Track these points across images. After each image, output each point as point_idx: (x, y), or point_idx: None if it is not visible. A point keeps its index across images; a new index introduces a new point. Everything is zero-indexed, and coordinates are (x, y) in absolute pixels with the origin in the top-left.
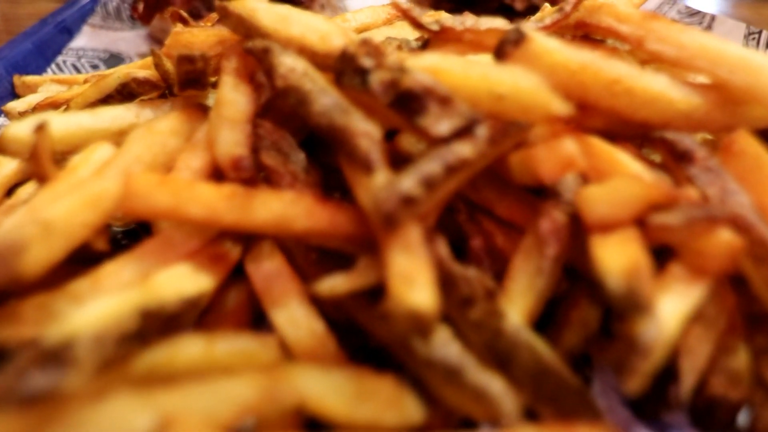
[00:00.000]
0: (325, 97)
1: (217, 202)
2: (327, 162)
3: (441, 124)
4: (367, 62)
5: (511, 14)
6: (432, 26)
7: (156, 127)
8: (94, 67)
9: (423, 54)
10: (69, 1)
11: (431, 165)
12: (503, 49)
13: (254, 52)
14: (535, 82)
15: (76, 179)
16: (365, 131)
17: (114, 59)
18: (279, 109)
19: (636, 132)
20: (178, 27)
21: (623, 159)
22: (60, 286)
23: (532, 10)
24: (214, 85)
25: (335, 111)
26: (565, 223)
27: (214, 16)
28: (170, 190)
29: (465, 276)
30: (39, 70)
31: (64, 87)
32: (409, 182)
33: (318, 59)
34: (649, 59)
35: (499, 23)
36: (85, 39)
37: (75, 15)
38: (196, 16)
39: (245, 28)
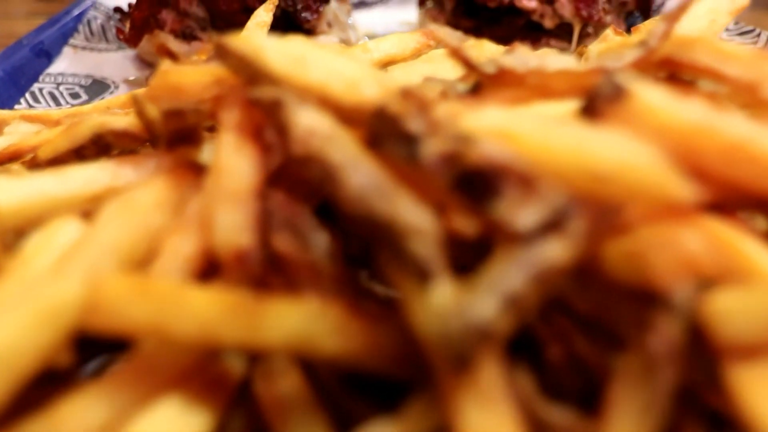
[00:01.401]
0: (360, 174)
1: (216, 317)
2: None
3: (522, 215)
4: (416, 127)
5: (539, 32)
6: (487, 67)
7: (136, 200)
8: (74, 96)
9: (481, 106)
10: (48, 20)
11: (512, 276)
12: (596, 107)
13: (262, 104)
14: (649, 158)
15: (30, 277)
16: (418, 226)
17: (97, 86)
18: (292, 173)
19: (752, 204)
20: (165, 64)
21: (759, 254)
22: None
23: (562, 28)
24: (211, 129)
25: (375, 194)
26: (683, 341)
27: (210, 46)
28: (152, 299)
29: (562, 425)
30: (11, 100)
31: (35, 126)
32: (486, 305)
33: (344, 113)
34: (753, 105)
35: (570, 63)
36: (66, 63)
37: (54, 35)
38: (189, 36)
39: (250, 71)
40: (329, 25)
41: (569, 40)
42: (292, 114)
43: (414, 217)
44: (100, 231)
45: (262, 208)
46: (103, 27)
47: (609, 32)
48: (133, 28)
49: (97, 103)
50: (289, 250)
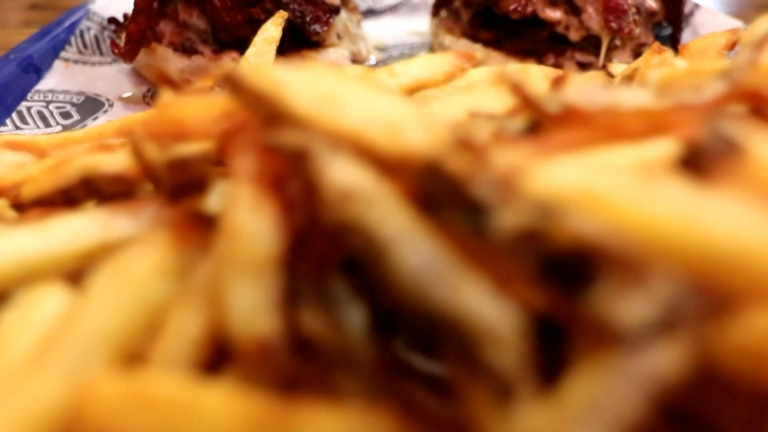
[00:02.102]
0: (415, 252)
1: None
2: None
3: (627, 310)
4: (483, 191)
5: (563, 45)
6: (550, 106)
7: (132, 267)
8: (65, 115)
9: (549, 155)
10: (37, 31)
11: (619, 393)
12: (702, 165)
13: (284, 153)
14: None
15: (4, 366)
16: (497, 327)
17: (90, 104)
18: (322, 234)
19: None
20: (165, 95)
21: None
22: None
23: (588, 40)
24: (219, 163)
25: (436, 280)
26: None
27: (216, 67)
28: (153, 409)
29: None
30: None
31: (20, 155)
32: None
33: (384, 164)
34: None
35: (644, 98)
36: (56, 78)
37: (44, 48)
38: (190, 50)
39: (268, 110)
40: (339, 36)
41: (596, 54)
42: (322, 167)
43: (490, 313)
44: (89, 309)
45: (287, 282)
46: (97, 38)
47: (667, 57)
48: (129, 42)
49: (89, 129)
50: (320, 331)
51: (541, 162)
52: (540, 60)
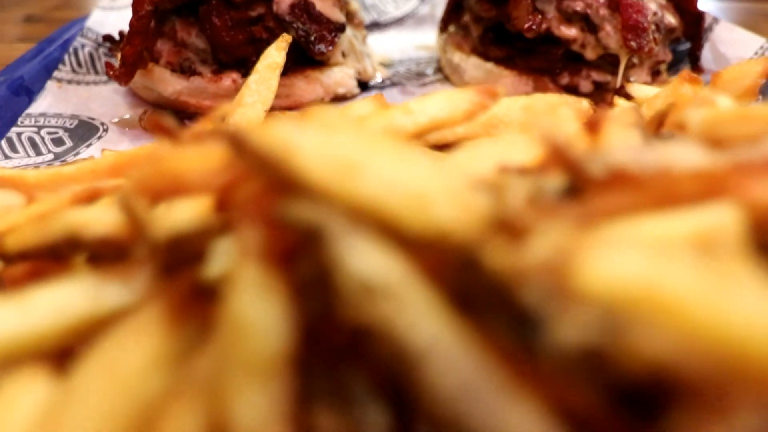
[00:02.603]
0: (453, 369)
1: None
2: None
3: None
4: (535, 300)
5: (578, 63)
6: (595, 169)
7: (123, 355)
8: (58, 142)
9: (599, 226)
10: (30, 50)
11: None
12: None
13: (295, 230)
14: None
15: None
16: None
17: (83, 129)
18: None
19: None
20: (160, 146)
21: None
22: None
23: (605, 58)
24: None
25: (478, 404)
26: None
27: (215, 113)
28: None
29: None
30: None
31: (6, 194)
32: None
33: (412, 244)
34: None
35: (698, 156)
36: (49, 100)
37: (36, 68)
38: (188, 70)
39: (276, 176)
40: (344, 54)
41: (612, 72)
42: (340, 251)
43: None
44: (74, 405)
45: (299, 379)
46: (91, 56)
47: (709, 95)
48: (124, 64)
49: (80, 165)
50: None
51: (590, 242)
52: (554, 79)
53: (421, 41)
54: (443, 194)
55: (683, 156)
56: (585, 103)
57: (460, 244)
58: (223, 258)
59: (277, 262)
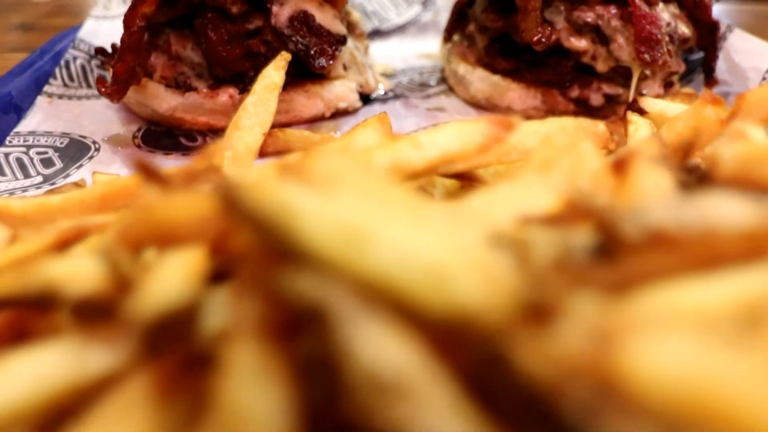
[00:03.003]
0: None
1: None
2: None
3: None
4: (581, 410)
5: (590, 75)
6: (629, 230)
7: None
8: (47, 163)
9: (635, 291)
10: (19, 63)
11: None
12: None
13: (296, 305)
14: None
15: None
16: None
17: (74, 148)
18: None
19: None
20: (147, 193)
21: None
22: None
23: (616, 70)
24: (221, 270)
25: None
26: None
27: (211, 150)
28: None
29: None
30: None
31: None
32: None
33: (429, 325)
34: None
35: (742, 213)
36: (39, 117)
37: (26, 82)
38: (183, 85)
39: (275, 242)
40: (345, 67)
41: (624, 84)
42: (348, 337)
43: None
44: None
45: None
46: (84, 68)
47: (740, 128)
48: (116, 82)
49: (68, 196)
50: None
51: (630, 320)
52: (564, 92)
53: (423, 49)
54: (464, 266)
55: (723, 210)
56: (602, 126)
57: (484, 332)
58: (218, 318)
59: (277, 339)
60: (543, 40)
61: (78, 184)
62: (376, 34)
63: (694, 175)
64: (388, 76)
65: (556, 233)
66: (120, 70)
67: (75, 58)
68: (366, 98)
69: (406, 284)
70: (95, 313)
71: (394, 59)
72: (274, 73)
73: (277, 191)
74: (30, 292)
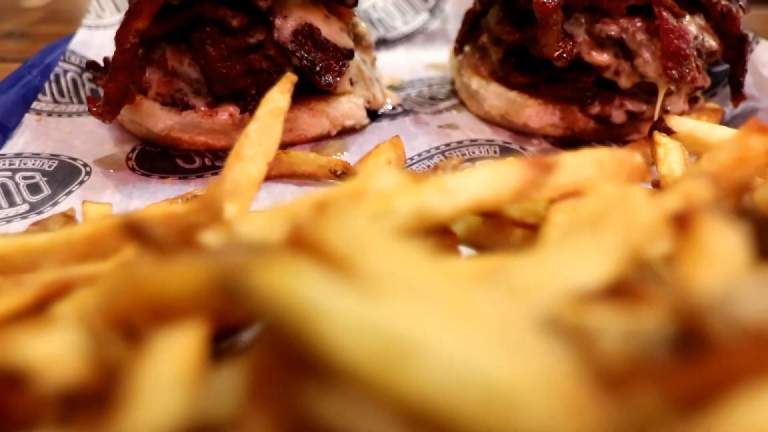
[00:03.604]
0: None
1: None
2: None
3: None
4: None
5: (611, 90)
6: (717, 326)
7: None
8: (34, 189)
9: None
10: (5, 78)
11: None
12: None
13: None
14: None
15: None
16: None
17: (63, 172)
18: None
19: None
20: (140, 266)
21: None
22: None
23: (639, 86)
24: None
25: None
26: None
27: (207, 195)
28: None
29: None
30: None
31: None
32: None
33: None
34: None
35: None
36: (26, 137)
37: (12, 99)
38: (180, 103)
39: (291, 346)
40: (352, 82)
41: (648, 101)
42: None
43: None
44: None
45: None
46: (75, 83)
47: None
48: (108, 102)
49: (54, 236)
50: None
51: None
52: (584, 109)
53: (431, 59)
54: (530, 383)
55: None
56: (638, 158)
57: None
58: (223, 408)
59: None
60: (564, 55)
61: (67, 215)
62: (382, 43)
63: (759, 230)
64: (395, 88)
65: (621, 317)
66: (111, 90)
67: (66, 72)
68: (373, 114)
69: (463, 408)
70: (78, 405)
71: (401, 70)
72: (279, 96)
73: (295, 283)
74: (3, 371)
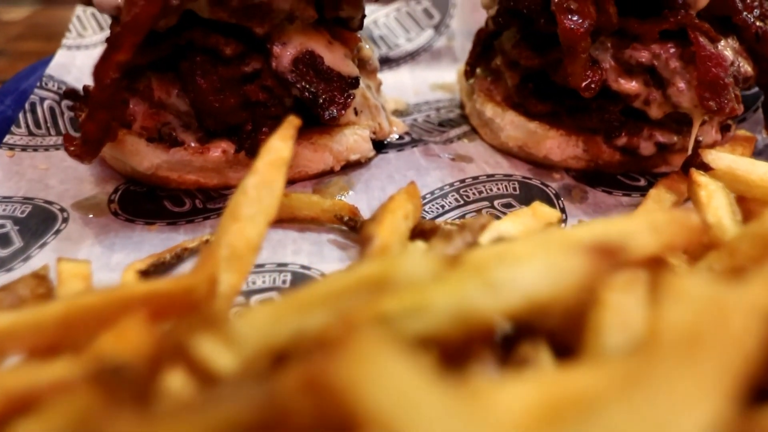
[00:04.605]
0: None
1: None
2: None
3: None
4: None
5: (639, 121)
6: None
7: None
8: (4, 241)
9: None
10: None
11: None
12: None
13: None
14: None
15: None
16: None
17: (38, 219)
18: None
19: None
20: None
21: None
22: None
23: (670, 116)
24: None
25: None
26: None
27: (200, 266)
28: None
29: None
30: None
31: None
32: None
33: None
34: None
35: None
36: None
37: None
38: (168, 138)
39: None
40: (356, 112)
41: (678, 131)
42: None
43: None
44: None
45: None
46: (53, 111)
47: None
48: (86, 143)
49: (21, 317)
50: None
51: None
52: (609, 140)
53: (437, 79)
54: None
55: None
56: (695, 218)
57: None
58: None
59: None
60: (593, 86)
61: (39, 275)
62: (385, 62)
63: None
64: (401, 113)
65: None
66: (90, 130)
67: (42, 100)
68: (379, 144)
69: None
70: None
71: (407, 92)
72: (280, 145)
73: None
74: None
